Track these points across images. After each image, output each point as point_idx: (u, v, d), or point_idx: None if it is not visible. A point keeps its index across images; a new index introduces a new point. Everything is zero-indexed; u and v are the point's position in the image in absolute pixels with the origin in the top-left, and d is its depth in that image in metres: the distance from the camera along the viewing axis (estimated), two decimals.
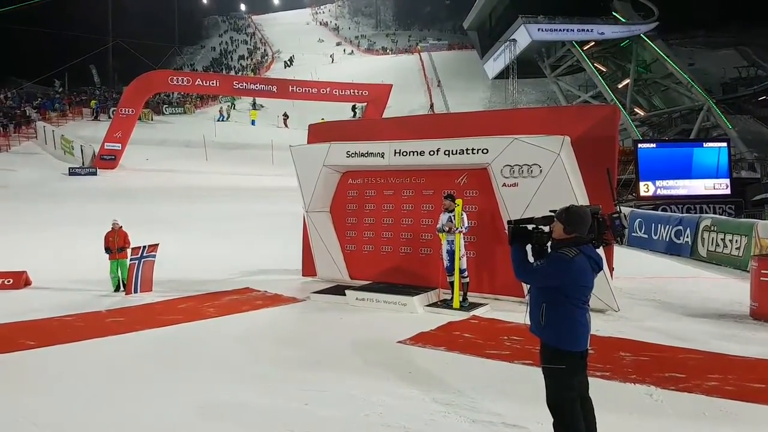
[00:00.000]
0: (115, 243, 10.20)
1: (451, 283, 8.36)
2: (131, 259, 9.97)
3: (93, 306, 9.10)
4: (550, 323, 3.58)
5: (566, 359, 3.54)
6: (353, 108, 40.58)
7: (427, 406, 4.86)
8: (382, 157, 9.49)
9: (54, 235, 15.80)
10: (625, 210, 15.80)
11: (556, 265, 3.53)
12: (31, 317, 8.31)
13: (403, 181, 9.74)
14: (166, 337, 7.33)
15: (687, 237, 13.00)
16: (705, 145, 21.41)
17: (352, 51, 67.69)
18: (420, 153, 9.16)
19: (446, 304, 8.43)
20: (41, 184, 26.01)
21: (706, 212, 17.97)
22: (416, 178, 9.60)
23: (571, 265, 3.48)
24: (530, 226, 3.75)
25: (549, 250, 3.66)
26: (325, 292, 9.40)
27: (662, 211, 17.46)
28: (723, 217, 15.01)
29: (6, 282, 10.45)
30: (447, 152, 8.90)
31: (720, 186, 19.87)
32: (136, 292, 9.87)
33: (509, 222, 3.83)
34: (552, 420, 3.65)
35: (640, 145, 20.64)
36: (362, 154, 9.69)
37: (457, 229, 8.13)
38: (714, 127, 32.63)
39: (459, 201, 8.22)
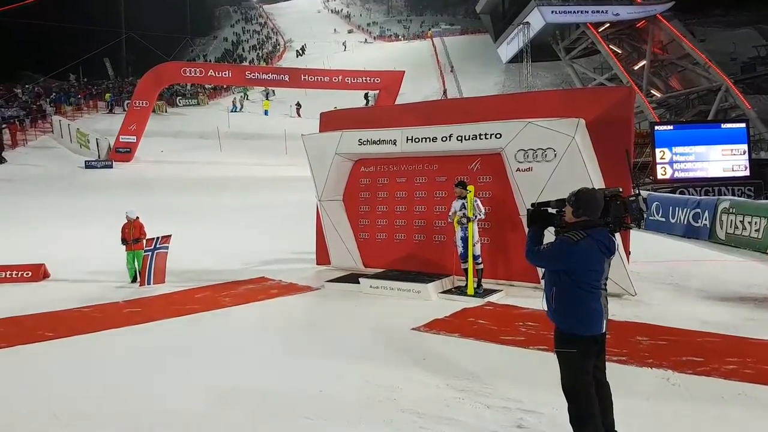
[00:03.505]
0: (131, 234, 10.28)
1: (466, 270, 8.33)
2: (145, 251, 10.06)
3: (110, 297, 9.20)
4: (560, 307, 3.59)
5: (577, 343, 3.53)
6: (366, 96, 40.42)
7: (441, 392, 4.86)
8: (395, 144, 9.45)
9: (71, 228, 15.98)
10: (643, 193, 15.58)
11: (559, 248, 3.55)
12: (50, 309, 8.42)
13: (415, 168, 9.69)
14: (184, 327, 7.40)
15: (705, 220, 12.81)
16: (723, 126, 21.03)
17: (366, 39, 67.16)
18: (432, 139, 9.09)
19: (460, 290, 8.39)
20: (58, 177, 26.31)
21: (725, 194, 17.71)
22: (429, 164, 9.54)
23: (574, 249, 3.46)
24: (553, 210, 3.73)
25: None
26: (339, 281, 9.42)
27: (680, 193, 17.21)
28: (742, 199, 14.76)
29: (25, 274, 10.59)
30: (460, 138, 8.82)
31: (738, 167, 19.54)
32: (149, 283, 9.96)
33: (532, 204, 3.83)
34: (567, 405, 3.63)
35: (657, 127, 20.33)
36: (374, 142, 9.65)
37: (472, 218, 8.07)
38: (732, 108, 32.02)
39: (471, 188, 8.15)
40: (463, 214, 8.17)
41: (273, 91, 43.71)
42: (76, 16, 57.37)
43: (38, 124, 35.61)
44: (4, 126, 31.90)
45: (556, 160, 7.91)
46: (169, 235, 10.29)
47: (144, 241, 10.20)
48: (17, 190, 23.21)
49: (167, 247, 10.21)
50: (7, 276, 10.56)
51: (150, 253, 10.02)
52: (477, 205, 8.15)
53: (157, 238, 10.13)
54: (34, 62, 57.18)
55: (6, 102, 38.70)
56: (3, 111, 35.74)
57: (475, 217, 8.10)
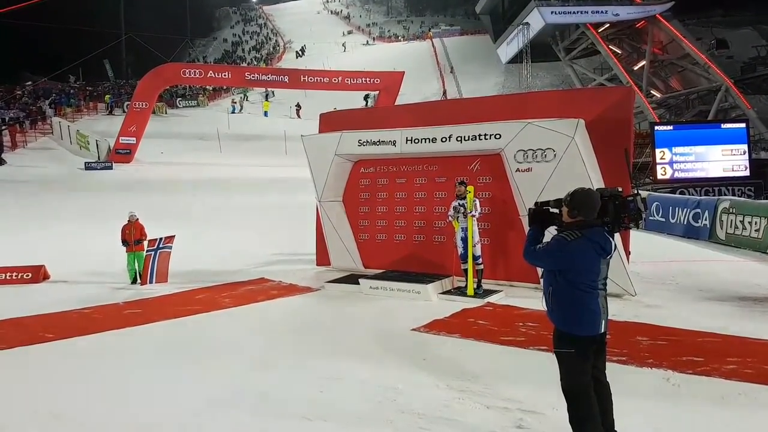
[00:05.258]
0: (132, 236, 10.29)
1: (465, 271, 8.33)
2: (147, 251, 10.08)
3: (110, 298, 9.21)
4: (556, 307, 3.61)
5: (575, 343, 3.53)
6: (365, 97, 40.36)
7: (441, 393, 4.86)
8: (394, 145, 9.45)
9: (71, 229, 15.97)
10: (642, 193, 15.57)
11: (552, 248, 3.57)
12: (50, 310, 8.43)
13: (415, 168, 9.70)
14: (184, 328, 7.41)
15: (705, 220, 12.81)
16: (723, 126, 21.04)
17: (367, 42, 66.98)
18: (432, 140, 9.10)
19: (460, 291, 8.40)
20: (58, 179, 26.25)
21: (725, 194, 17.72)
22: (428, 165, 9.55)
23: (567, 249, 3.48)
24: (555, 209, 3.74)
25: None
26: (339, 282, 9.42)
27: (680, 194, 17.22)
28: (742, 199, 14.76)
29: (25, 276, 10.61)
30: (459, 138, 8.83)
31: (738, 167, 19.54)
32: (151, 282, 9.99)
33: (535, 204, 3.85)
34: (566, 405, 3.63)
35: (657, 128, 20.33)
36: (374, 143, 9.66)
37: (469, 212, 8.08)
38: (732, 108, 32.00)
39: (471, 188, 8.17)
40: (463, 211, 8.17)
41: (273, 92, 43.69)
42: (76, 17, 57.40)
43: (38, 125, 35.58)
44: (3, 128, 31.88)
45: (555, 161, 7.92)
46: (173, 236, 10.34)
47: (146, 242, 10.23)
48: (17, 192, 23.17)
49: (171, 247, 10.25)
50: (7, 277, 10.58)
51: (153, 252, 10.06)
52: (475, 204, 8.16)
53: (161, 238, 10.17)
54: (33, 64, 57.23)
55: (6, 104, 38.70)
56: (3, 113, 35.73)
57: (471, 212, 8.10)
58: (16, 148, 31.11)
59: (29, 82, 46.80)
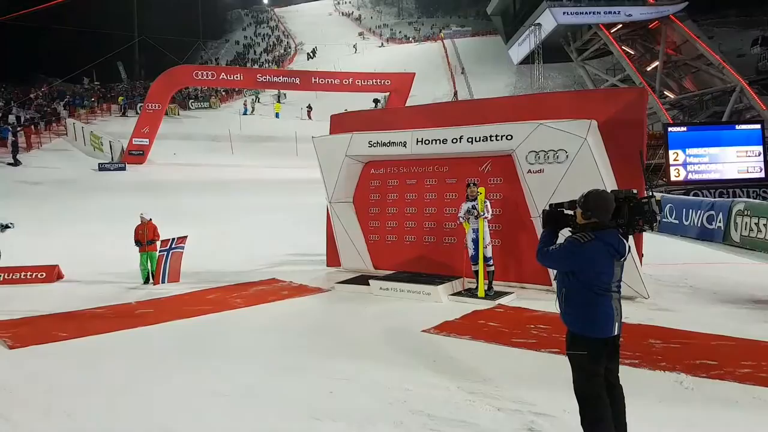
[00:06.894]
0: (145, 236, 10.37)
1: (476, 272, 8.30)
2: (160, 251, 10.17)
3: (123, 298, 9.29)
4: (569, 309, 3.59)
5: (588, 346, 3.51)
6: (375, 100, 40.28)
7: (452, 395, 4.84)
8: (405, 146, 9.45)
9: (85, 230, 16.12)
10: (656, 195, 15.43)
11: (565, 249, 3.55)
12: (64, 310, 8.52)
13: (425, 170, 9.68)
14: (195, 328, 7.45)
15: (719, 222, 12.68)
16: (738, 127, 20.83)
17: (382, 44, 66.93)
18: (443, 141, 9.08)
19: (471, 293, 8.37)
20: (72, 180, 26.48)
21: (739, 196, 17.53)
22: (439, 166, 9.54)
23: (580, 250, 3.45)
24: (569, 211, 3.72)
25: None
26: (349, 282, 9.43)
27: (693, 195, 17.06)
28: (757, 201, 14.60)
29: (39, 276, 10.73)
30: (470, 140, 8.81)
31: (753, 169, 19.34)
32: (163, 282, 10.07)
33: (549, 205, 3.83)
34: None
35: (670, 129, 20.16)
36: (384, 144, 9.66)
37: (481, 214, 8.05)
38: (747, 109, 31.70)
39: (482, 189, 8.15)
40: (474, 213, 8.14)
41: (284, 93, 43.84)
42: (90, 20, 57.95)
43: (52, 126, 35.92)
44: (18, 129, 32.22)
45: (567, 162, 7.87)
46: (185, 236, 10.41)
47: (158, 242, 10.32)
48: (31, 192, 23.42)
49: (183, 248, 10.33)
50: (22, 277, 10.70)
51: (165, 252, 10.15)
52: (486, 206, 8.13)
53: (173, 238, 10.26)
54: (48, 66, 57.86)
55: (21, 105, 39.12)
56: (19, 112, 36.13)
57: (483, 214, 8.08)
58: (30, 149, 31.40)
59: (45, 85, 47.25)
